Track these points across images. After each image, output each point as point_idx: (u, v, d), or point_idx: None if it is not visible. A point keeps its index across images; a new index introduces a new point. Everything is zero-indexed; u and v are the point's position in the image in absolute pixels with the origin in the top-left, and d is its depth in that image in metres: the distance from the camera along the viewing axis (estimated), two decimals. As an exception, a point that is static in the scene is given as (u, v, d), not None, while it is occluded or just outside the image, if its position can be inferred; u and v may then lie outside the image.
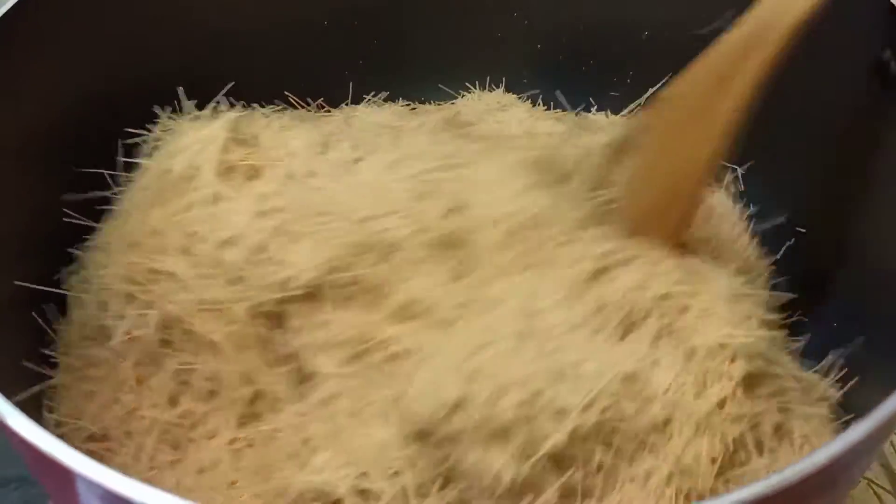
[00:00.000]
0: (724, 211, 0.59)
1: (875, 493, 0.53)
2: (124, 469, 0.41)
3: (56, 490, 0.36)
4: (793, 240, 0.55)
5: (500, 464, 0.38)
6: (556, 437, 0.38)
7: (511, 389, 0.39)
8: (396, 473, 0.39)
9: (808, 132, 0.53)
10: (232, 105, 0.53)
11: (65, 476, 0.31)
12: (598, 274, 0.43)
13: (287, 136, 0.50)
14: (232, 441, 0.43)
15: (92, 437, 0.44)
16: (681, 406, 0.41)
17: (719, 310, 0.43)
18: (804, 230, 0.54)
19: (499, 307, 0.42)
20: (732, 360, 0.42)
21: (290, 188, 0.47)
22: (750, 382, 0.42)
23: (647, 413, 0.40)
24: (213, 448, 0.43)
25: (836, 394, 0.48)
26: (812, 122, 0.53)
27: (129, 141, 0.51)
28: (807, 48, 0.52)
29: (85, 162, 0.50)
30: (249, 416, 0.44)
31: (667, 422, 0.40)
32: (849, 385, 0.47)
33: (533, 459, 0.38)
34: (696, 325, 0.43)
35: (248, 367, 0.44)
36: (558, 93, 0.64)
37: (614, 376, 0.40)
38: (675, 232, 0.45)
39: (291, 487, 0.40)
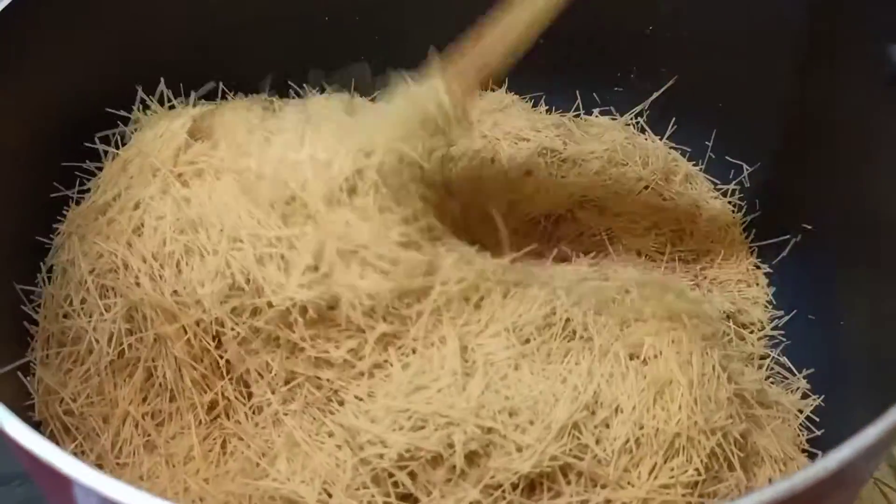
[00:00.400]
0: (726, 221, 0.59)
1: (882, 491, 0.53)
2: (102, 456, 0.42)
3: (54, 493, 0.35)
4: (799, 237, 0.55)
5: None
6: (510, 477, 0.38)
7: (459, 429, 0.38)
8: (359, 489, 0.39)
9: (810, 131, 0.53)
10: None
11: (62, 482, 0.31)
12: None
13: (241, 134, 0.47)
14: (200, 441, 0.43)
15: (68, 413, 0.44)
16: (647, 425, 0.40)
17: (653, 308, 0.43)
18: (810, 227, 0.54)
19: (429, 349, 0.41)
20: (685, 358, 0.41)
21: (205, 199, 0.44)
22: (702, 386, 0.41)
23: (610, 437, 0.39)
24: (183, 447, 0.43)
25: (806, 402, 0.49)
26: (815, 120, 0.53)
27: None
28: (807, 48, 0.52)
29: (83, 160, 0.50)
30: (209, 422, 0.43)
31: (637, 443, 0.39)
32: (847, 387, 0.47)
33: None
34: (640, 330, 0.42)
35: (202, 374, 0.43)
36: (561, 92, 0.64)
37: (572, 403, 0.39)
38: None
39: (261, 491, 0.40)
